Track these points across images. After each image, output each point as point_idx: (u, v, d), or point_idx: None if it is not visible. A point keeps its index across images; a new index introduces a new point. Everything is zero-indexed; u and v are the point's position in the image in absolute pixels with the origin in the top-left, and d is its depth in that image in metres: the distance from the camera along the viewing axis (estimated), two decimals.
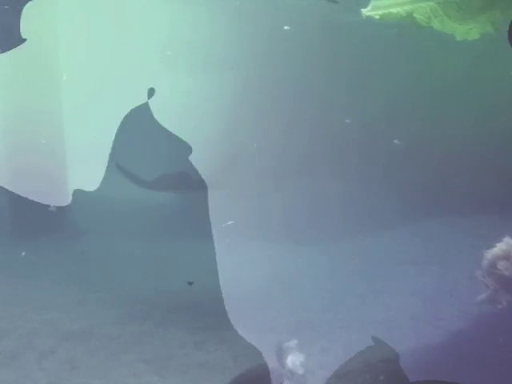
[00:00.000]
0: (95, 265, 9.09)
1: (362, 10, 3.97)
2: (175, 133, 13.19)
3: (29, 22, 9.67)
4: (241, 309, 7.64)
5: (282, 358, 5.45)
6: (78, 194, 11.17)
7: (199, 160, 12.78)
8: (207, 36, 12.50)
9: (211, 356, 5.91)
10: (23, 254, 9.54)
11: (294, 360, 5.45)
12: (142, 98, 13.54)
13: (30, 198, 9.96)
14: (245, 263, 9.31)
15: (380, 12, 3.91)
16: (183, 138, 13.24)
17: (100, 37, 13.79)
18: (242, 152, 12.73)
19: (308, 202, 11.76)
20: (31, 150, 10.12)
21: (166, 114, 13.15)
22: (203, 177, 12.99)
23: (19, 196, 10.15)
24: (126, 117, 11.60)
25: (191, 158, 12.96)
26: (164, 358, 6.48)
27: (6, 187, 10.38)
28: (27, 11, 9.71)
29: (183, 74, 13.10)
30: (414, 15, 3.89)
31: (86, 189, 11.89)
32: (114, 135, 11.26)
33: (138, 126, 11.51)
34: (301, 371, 5.48)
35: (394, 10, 3.89)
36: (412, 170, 11.33)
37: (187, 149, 13.07)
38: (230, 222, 9.07)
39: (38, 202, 9.92)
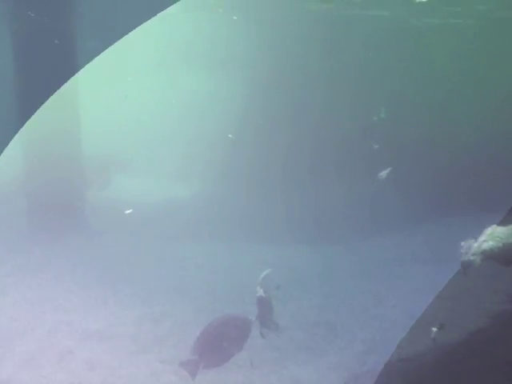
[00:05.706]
0: (114, 266, 9.14)
1: None
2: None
3: None
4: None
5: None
6: (98, 195, 11.26)
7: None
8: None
9: None
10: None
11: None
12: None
13: (50, 199, 10.04)
14: (263, 264, 9.31)
15: None
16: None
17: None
18: (255, 153, 12.77)
19: (322, 205, 11.78)
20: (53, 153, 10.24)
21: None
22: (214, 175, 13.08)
23: (39, 198, 10.23)
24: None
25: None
26: (182, 358, 6.49)
27: (26, 189, 10.49)
28: None
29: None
30: None
31: (106, 190, 12.00)
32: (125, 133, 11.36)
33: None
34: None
35: None
36: (424, 172, 11.33)
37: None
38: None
39: (57, 204, 10.00)
